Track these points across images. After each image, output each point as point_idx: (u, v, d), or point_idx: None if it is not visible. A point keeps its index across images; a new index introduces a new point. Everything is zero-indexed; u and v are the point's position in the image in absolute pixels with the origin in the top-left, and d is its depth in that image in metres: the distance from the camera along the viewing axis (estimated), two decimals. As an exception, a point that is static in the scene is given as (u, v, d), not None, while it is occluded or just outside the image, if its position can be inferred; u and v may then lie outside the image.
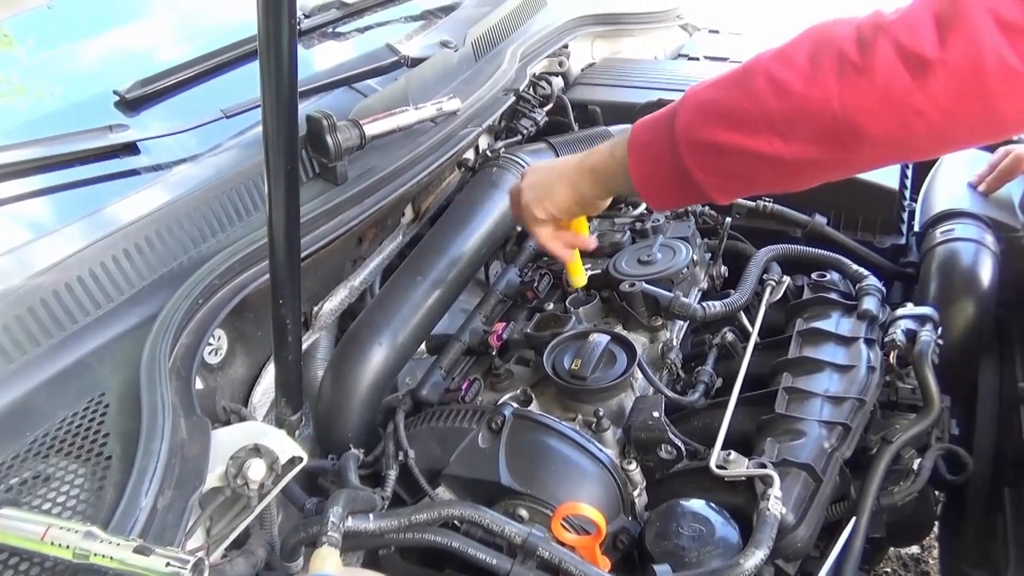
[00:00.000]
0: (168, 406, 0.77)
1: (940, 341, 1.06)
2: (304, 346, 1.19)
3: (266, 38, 0.67)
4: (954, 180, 1.45)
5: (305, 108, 1.20)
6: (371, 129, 1.19)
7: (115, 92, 1.22)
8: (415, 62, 1.43)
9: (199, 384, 0.98)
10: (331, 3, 1.60)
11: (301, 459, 0.78)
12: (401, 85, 1.33)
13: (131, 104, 1.22)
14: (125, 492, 0.69)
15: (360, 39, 1.61)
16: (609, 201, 1.04)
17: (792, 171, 0.80)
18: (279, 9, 0.65)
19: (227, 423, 0.95)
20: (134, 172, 1.10)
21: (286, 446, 0.78)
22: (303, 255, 1.04)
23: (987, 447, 1.23)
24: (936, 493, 1.26)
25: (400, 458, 1.00)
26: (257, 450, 0.76)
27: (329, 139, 1.12)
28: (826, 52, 0.73)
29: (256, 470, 0.74)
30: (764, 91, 0.76)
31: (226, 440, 0.78)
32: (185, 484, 0.73)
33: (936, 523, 1.31)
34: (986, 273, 1.23)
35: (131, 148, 1.12)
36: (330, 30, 1.58)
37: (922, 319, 1.09)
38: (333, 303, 1.23)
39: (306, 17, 1.54)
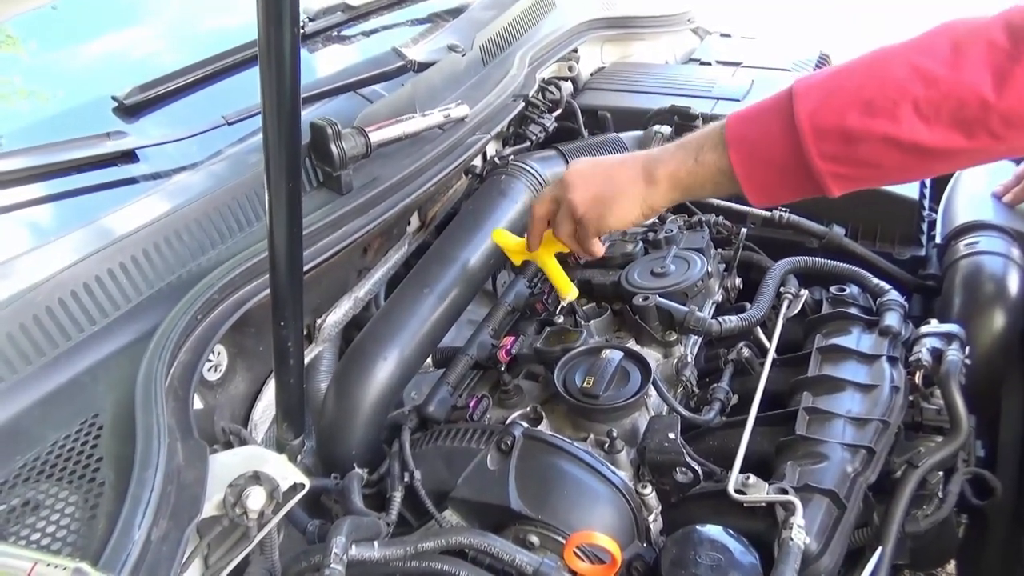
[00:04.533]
0: (164, 430, 0.73)
1: (968, 361, 1.03)
2: (307, 359, 1.16)
3: (267, 43, 0.63)
4: (976, 190, 1.41)
5: (309, 115, 1.17)
6: (377, 137, 1.16)
7: (113, 98, 1.20)
8: (422, 67, 1.40)
9: (198, 402, 0.95)
10: (336, 6, 1.56)
11: (303, 486, 0.75)
12: (408, 91, 1.30)
13: (130, 110, 1.19)
14: (118, 523, 0.66)
15: (366, 43, 1.58)
16: None
17: (927, 159, 0.78)
18: (280, 14, 0.62)
19: (227, 445, 0.91)
20: (132, 181, 1.07)
21: (287, 472, 0.74)
22: (306, 269, 1.01)
23: (1011, 464, 1.20)
24: (958, 516, 1.22)
25: (406, 479, 0.96)
26: (257, 477, 0.72)
27: (334, 147, 1.09)
28: (972, 42, 0.72)
29: (256, 499, 0.71)
30: (906, 77, 0.74)
31: (225, 465, 0.75)
32: (181, 513, 0.70)
33: (956, 544, 1.27)
34: (1014, 288, 1.18)
35: (129, 156, 1.10)
36: (335, 34, 1.55)
37: (948, 337, 1.05)
38: (337, 315, 1.20)
39: (310, 20, 1.50)
